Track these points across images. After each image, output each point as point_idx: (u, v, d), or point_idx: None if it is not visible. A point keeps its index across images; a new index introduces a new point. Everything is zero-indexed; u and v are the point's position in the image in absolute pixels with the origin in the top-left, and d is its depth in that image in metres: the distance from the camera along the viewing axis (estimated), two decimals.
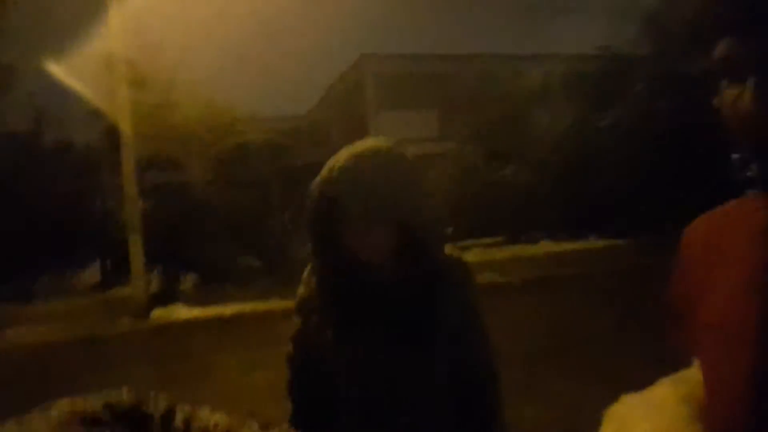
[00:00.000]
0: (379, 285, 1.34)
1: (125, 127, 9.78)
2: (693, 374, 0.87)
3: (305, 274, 1.49)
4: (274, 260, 10.68)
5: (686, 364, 0.89)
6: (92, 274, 12.22)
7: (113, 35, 9.91)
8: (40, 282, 11.77)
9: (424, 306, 1.34)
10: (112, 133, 10.37)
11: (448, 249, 1.43)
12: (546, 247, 13.53)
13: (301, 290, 1.49)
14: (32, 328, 9.07)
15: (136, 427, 0.81)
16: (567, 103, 15.73)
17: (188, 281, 11.05)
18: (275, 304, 9.27)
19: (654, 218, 12.05)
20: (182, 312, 9.57)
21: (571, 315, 6.77)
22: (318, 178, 1.33)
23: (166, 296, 10.16)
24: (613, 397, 0.92)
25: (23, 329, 9.03)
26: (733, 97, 0.77)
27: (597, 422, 0.90)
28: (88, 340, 8.43)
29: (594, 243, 13.59)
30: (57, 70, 9.91)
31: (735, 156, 0.80)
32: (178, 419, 0.84)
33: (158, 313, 9.57)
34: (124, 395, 0.85)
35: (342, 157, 1.32)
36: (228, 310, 9.29)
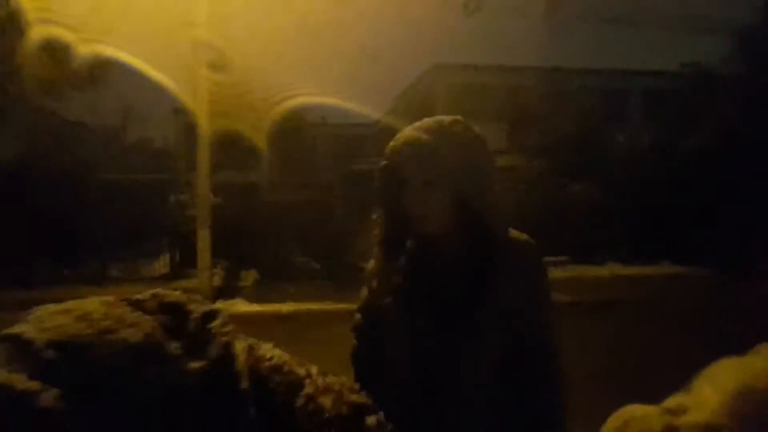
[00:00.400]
0: (440, 258, 1.36)
1: (203, 126, 10.15)
2: None
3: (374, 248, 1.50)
4: (332, 264, 10.80)
5: None
6: (162, 264, 12.70)
7: (198, 40, 10.32)
8: (115, 268, 12.36)
9: (483, 283, 1.33)
10: (190, 132, 10.79)
11: (515, 232, 1.41)
12: (613, 269, 13.06)
13: (370, 264, 1.50)
14: None
15: (179, 321, 0.83)
16: (646, 122, 15.17)
17: (249, 278, 11.34)
18: (330, 305, 9.41)
19: (735, 248, 11.42)
20: (241, 306, 9.82)
21: (635, 339, 6.52)
22: (386, 150, 1.36)
23: (228, 291, 10.46)
24: None
25: None
26: None
27: None
28: None
29: (666, 269, 13.01)
30: (146, 66, 10.39)
31: None
32: (217, 324, 0.85)
33: (219, 306, 9.84)
34: (176, 293, 0.90)
35: (407, 129, 1.36)
36: (285, 307, 9.47)
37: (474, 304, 1.32)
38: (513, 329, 1.32)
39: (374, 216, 1.42)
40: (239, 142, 11.39)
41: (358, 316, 1.52)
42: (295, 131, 12.36)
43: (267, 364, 0.88)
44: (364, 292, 1.50)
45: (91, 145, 12.79)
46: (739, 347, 0.95)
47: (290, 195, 11.61)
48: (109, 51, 10.79)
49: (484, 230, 1.32)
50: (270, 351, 0.91)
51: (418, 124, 1.35)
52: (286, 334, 7.29)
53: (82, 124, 13.45)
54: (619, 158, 14.51)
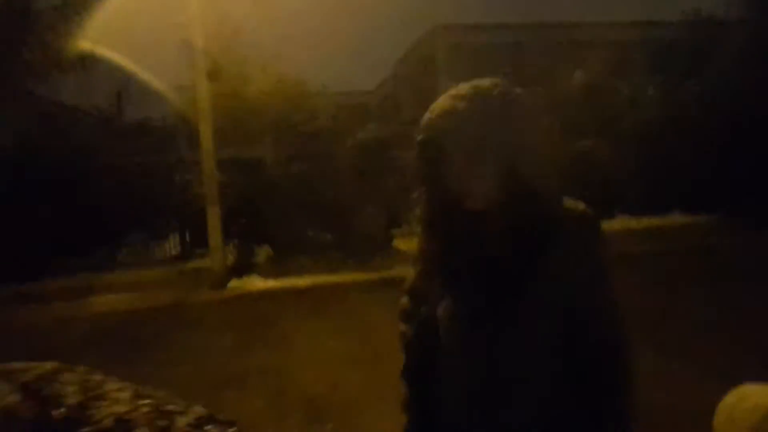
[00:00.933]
0: (488, 235, 1.25)
1: (203, 103, 10.04)
2: None
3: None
4: (344, 234, 10.78)
5: None
6: (172, 246, 12.72)
7: (191, 12, 10.14)
8: (124, 252, 12.37)
9: (535, 259, 1.23)
10: (191, 109, 10.67)
11: (571, 203, 1.30)
12: (623, 222, 13.01)
13: (415, 244, 1.43)
14: (118, 296, 9.58)
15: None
16: (649, 73, 14.91)
17: (263, 254, 11.33)
18: (346, 276, 9.41)
19: (740, 195, 11.32)
20: (258, 283, 9.84)
21: (649, 291, 6.49)
22: (421, 122, 1.27)
23: (242, 268, 10.46)
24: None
25: (110, 296, 9.55)
26: None
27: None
28: (169, 307, 8.83)
29: (676, 219, 12.95)
30: (137, 48, 10.28)
31: None
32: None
33: (235, 284, 9.88)
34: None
35: (442, 98, 1.26)
36: (302, 281, 9.49)
37: (526, 285, 1.24)
38: (570, 315, 1.21)
39: (415, 194, 1.35)
40: (241, 117, 11.26)
41: (404, 299, 1.44)
42: (298, 101, 12.20)
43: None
44: (410, 274, 1.43)
45: (90, 128, 12.65)
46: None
47: (297, 167, 11.54)
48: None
49: (535, 203, 1.22)
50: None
51: (453, 91, 1.25)
52: (304, 307, 7.30)
53: (77, 109, 13.30)
54: (625, 111, 14.32)
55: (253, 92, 11.55)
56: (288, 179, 11.19)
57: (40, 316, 8.58)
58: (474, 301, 1.28)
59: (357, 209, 10.70)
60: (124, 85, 13.32)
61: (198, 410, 0.95)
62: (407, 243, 9.46)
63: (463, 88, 1.25)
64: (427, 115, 1.26)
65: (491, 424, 1.27)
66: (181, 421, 0.92)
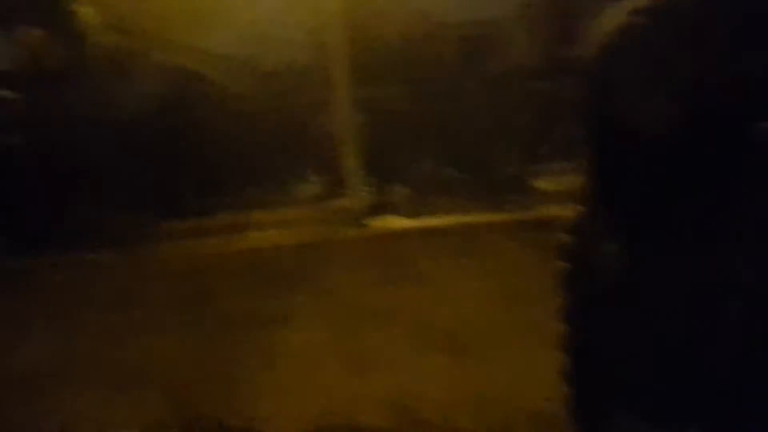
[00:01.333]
0: (672, 172, 1.08)
1: (339, 43, 10.12)
2: None
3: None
4: (481, 173, 10.58)
5: None
6: (312, 186, 13.22)
7: None
8: (266, 192, 13.08)
9: (730, 201, 1.06)
10: (326, 51, 10.81)
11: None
12: None
13: (580, 182, 1.28)
14: (263, 233, 10.18)
15: None
16: None
17: (400, 193, 11.44)
18: (484, 217, 9.28)
19: None
20: (397, 222, 9.97)
21: None
22: (584, 43, 1.13)
23: (380, 207, 10.67)
24: None
25: (256, 234, 10.18)
26: None
27: None
28: (312, 245, 9.25)
29: None
30: None
31: None
32: None
33: (374, 223, 10.10)
34: None
35: (610, 10, 1.11)
36: (439, 221, 9.48)
37: (716, 228, 1.07)
38: None
39: (582, 127, 1.19)
40: (376, 55, 11.24)
41: (565, 237, 1.31)
42: (425, 35, 11.92)
43: None
44: (573, 214, 1.30)
45: (229, 75, 13.26)
46: None
47: (427, 105, 11.39)
48: None
49: (727, 131, 1.03)
50: None
51: (627, 3, 1.07)
52: (444, 247, 7.30)
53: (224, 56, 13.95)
54: None
55: (390, 29, 11.43)
56: (422, 117, 11.11)
57: (195, 251, 9.41)
58: (652, 247, 1.12)
59: (494, 146, 10.43)
60: (263, 32, 13.73)
61: None
62: (548, 182, 9.11)
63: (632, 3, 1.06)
64: (594, 35, 1.10)
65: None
66: None
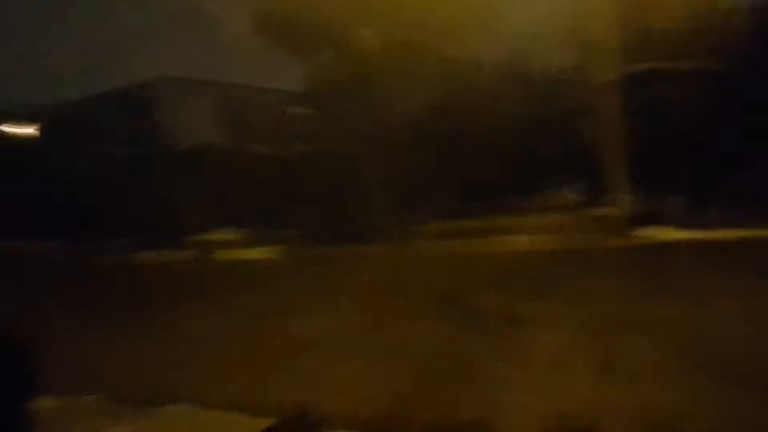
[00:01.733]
0: None
1: (607, 44, 9.68)
2: None
3: None
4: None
5: None
6: (575, 193, 12.76)
7: None
8: (531, 198, 13.04)
9: None
10: (592, 55, 10.40)
11: None
12: None
13: None
14: (523, 237, 10.26)
15: None
16: None
17: (671, 203, 10.39)
18: (759, 232, 8.00)
19: None
20: (662, 233, 9.13)
21: None
22: None
23: (647, 217, 9.85)
24: None
25: (517, 237, 10.29)
26: None
27: None
28: (571, 251, 9.01)
29: None
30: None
31: None
32: None
33: (640, 233, 9.40)
34: None
35: None
36: (707, 234, 8.43)
37: None
38: None
39: None
40: (646, 54, 10.33)
41: None
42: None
43: None
44: None
45: (493, 86, 13.34)
46: None
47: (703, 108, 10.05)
48: None
49: None
50: None
51: None
52: (714, 263, 6.53)
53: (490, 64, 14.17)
54: None
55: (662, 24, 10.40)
56: (700, 120, 9.87)
57: (460, 249, 9.93)
58: None
59: None
60: (530, 36, 13.61)
61: None
62: None
63: None
64: None
65: None
66: None
